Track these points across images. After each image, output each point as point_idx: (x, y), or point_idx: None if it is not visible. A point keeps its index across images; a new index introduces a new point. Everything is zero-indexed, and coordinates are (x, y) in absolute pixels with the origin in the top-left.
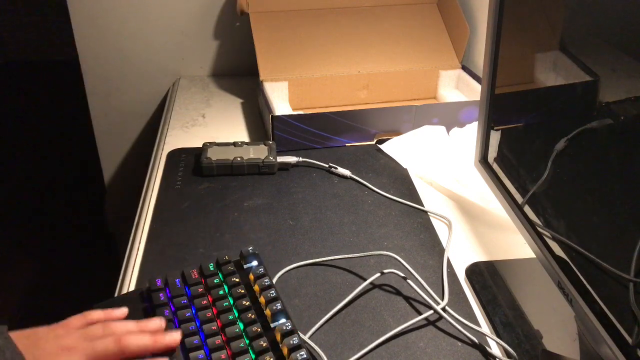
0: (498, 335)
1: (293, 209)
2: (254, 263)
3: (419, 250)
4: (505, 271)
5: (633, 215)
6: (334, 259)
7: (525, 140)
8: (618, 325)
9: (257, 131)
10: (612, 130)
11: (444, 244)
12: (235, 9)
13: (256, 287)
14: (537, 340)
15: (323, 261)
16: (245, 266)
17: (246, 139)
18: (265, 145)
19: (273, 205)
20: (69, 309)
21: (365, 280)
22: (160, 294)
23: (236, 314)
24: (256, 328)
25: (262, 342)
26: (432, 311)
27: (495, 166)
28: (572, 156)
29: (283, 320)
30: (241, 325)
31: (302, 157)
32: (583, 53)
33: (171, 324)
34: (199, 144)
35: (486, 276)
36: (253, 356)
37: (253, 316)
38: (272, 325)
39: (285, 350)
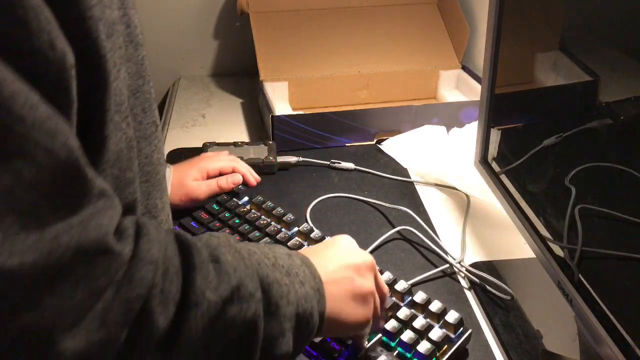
0: (498, 336)
1: (293, 209)
2: (246, 199)
3: (419, 250)
4: (505, 271)
5: (633, 215)
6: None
7: (525, 140)
8: (618, 325)
9: (257, 131)
10: (612, 130)
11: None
12: (235, 9)
13: (263, 212)
14: (537, 340)
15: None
16: (240, 202)
17: (246, 139)
18: (265, 145)
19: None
20: None
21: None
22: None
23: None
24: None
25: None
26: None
27: (495, 166)
28: (572, 156)
29: (296, 228)
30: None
31: (302, 157)
32: (583, 53)
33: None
34: (199, 144)
35: (486, 276)
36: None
37: (277, 227)
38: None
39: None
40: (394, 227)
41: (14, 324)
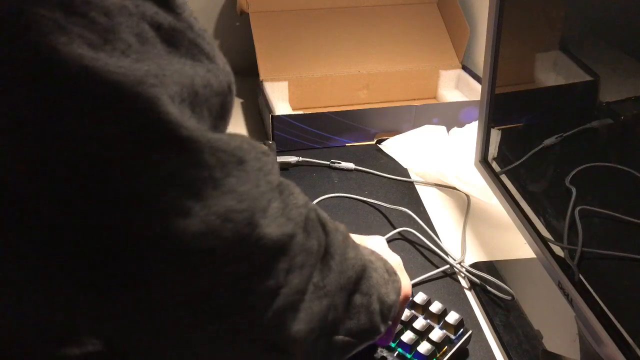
0: (499, 336)
1: None
2: None
3: (419, 251)
4: (505, 271)
5: (634, 215)
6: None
7: (525, 140)
8: (618, 325)
9: (257, 131)
10: (612, 130)
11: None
12: (235, 9)
13: None
14: (537, 340)
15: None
16: None
17: None
18: (265, 145)
19: None
20: None
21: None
22: None
23: None
24: None
25: None
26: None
27: (495, 166)
28: (572, 156)
29: None
30: None
31: (302, 157)
32: (583, 53)
33: None
34: None
35: (486, 276)
36: None
37: None
38: None
39: None
40: (394, 227)
41: (219, 201)
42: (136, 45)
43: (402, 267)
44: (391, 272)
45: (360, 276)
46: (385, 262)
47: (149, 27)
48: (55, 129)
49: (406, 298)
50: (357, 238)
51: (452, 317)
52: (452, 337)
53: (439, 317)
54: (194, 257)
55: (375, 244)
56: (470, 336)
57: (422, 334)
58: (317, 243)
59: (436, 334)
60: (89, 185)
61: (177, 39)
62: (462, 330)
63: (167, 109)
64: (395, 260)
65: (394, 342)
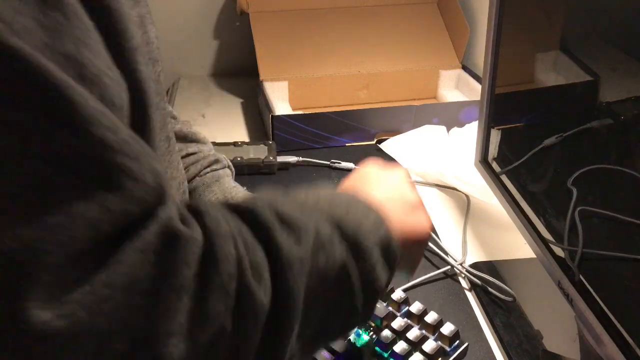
0: (499, 336)
1: None
2: None
3: None
4: (505, 271)
5: (634, 215)
6: None
7: (525, 140)
8: (618, 325)
9: (257, 131)
10: (612, 129)
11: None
12: (235, 9)
13: None
14: (537, 340)
15: None
16: None
17: (246, 139)
18: (265, 145)
19: None
20: None
21: None
22: None
23: None
24: None
25: None
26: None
27: (495, 166)
28: (572, 156)
29: None
30: None
31: (302, 157)
32: (583, 53)
33: None
34: None
35: (488, 277)
36: None
37: None
38: None
39: None
40: None
41: (123, 337)
42: (20, 199)
43: (421, 205)
44: (386, 247)
45: (335, 282)
46: (381, 224)
47: (44, 166)
48: None
49: (423, 239)
50: (368, 180)
51: (447, 329)
52: (447, 348)
53: (434, 328)
54: None
55: (389, 185)
56: (466, 349)
57: (416, 345)
58: (253, 326)
59: (430, 345)
60: None
61: (82, 168)
62: (457, 342)
63: (30, 311)
64: (412, 200)
65: (386, 351)
